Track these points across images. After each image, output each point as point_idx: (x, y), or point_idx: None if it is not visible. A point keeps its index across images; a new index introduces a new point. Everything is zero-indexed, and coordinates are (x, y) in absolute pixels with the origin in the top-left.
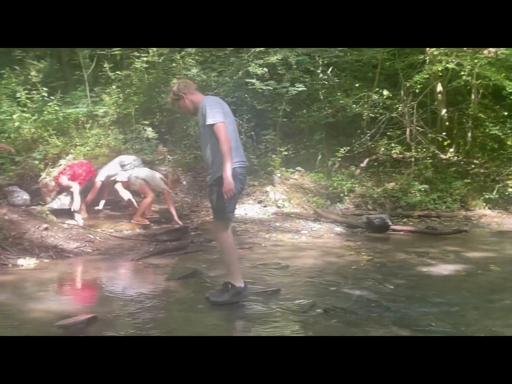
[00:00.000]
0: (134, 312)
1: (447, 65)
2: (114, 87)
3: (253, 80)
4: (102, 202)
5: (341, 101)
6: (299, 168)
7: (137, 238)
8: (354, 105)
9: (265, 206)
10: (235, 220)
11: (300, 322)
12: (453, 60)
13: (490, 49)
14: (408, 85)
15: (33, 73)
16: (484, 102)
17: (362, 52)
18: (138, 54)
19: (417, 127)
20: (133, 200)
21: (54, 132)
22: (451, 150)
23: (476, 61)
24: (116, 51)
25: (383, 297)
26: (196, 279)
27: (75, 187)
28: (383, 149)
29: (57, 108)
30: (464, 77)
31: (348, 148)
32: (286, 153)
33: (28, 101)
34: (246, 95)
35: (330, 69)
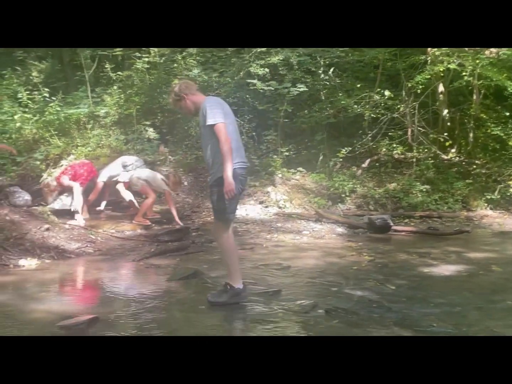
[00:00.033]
0: (135, 312)
1: (449, 65)
2: (115, 87)
3: (255, 81)
4: (104, 203)
5: (342, 102)
6: (300, 168)
7: (139, 238)
8: (356, 106)
9: (266, 207)
10: (237, 221)
11: (302, 322)
12: (455, 60)
13: (492, 49)
14: (409, 85)
15: (34, 73)
16: (485, 102)
17: (363, 53)
18: (139, 55)
19: (419, 128)
20: (135, 201)
21: (56, 132)
22: (453, 150)
23: (477, 61)
24: (118, 51)
25: (384, 298)
26: (197, 280)
27: (76, 187)
28: (384, 149)
29: (58, 108)
30: (465, 78)
31: (350, 148)
32: (287, 153)
33: (30, 102)
34: (247, 96)
35: (331, 70)
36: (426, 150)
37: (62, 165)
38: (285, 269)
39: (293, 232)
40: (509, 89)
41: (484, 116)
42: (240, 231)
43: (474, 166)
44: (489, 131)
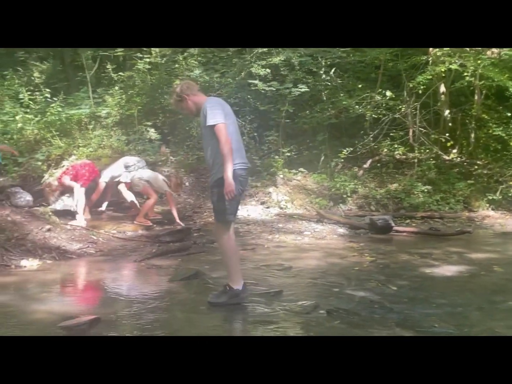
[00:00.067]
0: (137, 313)
1: (450, 66)
2: (116, 88)
3: (256, 81)
4: (105, 204)
5: (344, 102)
6: (302, 169)
7: (140, 239)
8: (357, 106)
9: (267, 207)
10: (238, 221)
11: (303, 323)
12: (456, 61)
13: (493, 50)
14: (411, 86)
15: (36, 74)
16: (487, 103)
17: (365, 53)
18: (140, 55)
19: (420, 128)
20: (136, 202)
21: (57, 133)
22: (454, 151)
23: (479, 62)
24: (119, 52)
25: (386, 298)
26: (199, 280)
27: (77, 188)
28: (386, 150)
29: (60, 109)
30: (467, 78)
31: (351, 149)
32: (289, 154)
33: (31, 102)
34: (248, 96)
35: (333, 70)
36: (427, 150)
37: (63, 166)
38: (287, 269)
39: (295, 233)
40: (510, 89)
41: (486, 117)
42: (242, 231)
43: (476, 167)
44: (490, 131)
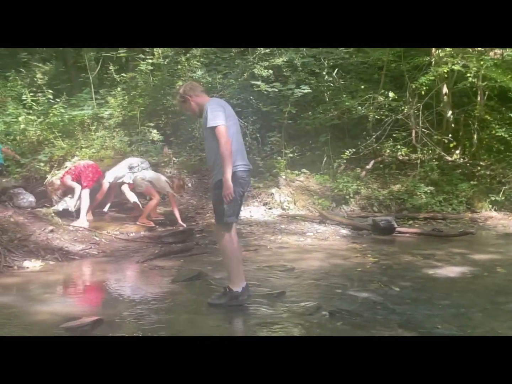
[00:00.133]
0: (140, 314)
1: (453, 66)
2: (119, 89)
3: (259, 82)
4: (108, 205)
5: (346, 103)
6: (304, 170)
7: (143, 240)
8: (360, 107)
9: (270, 208)
10: (240, 222)
11: (306, 324)
12: (459, 61)
13: (496, 50)
14: (413, 87)
15: (38, 75)
16: (490, 104)
17: (367, 54)
18: (143, 57)
19: (423, 129)
20: (139, 203)
21: (60, 134)
22: (457, 152)
23: (482, 62)
24: (122, 53)
25: (389, 299)
26: (201, 281)
27: (78, 189)
28: (388, 151)
29: (62, 110)
30: (470, 79)
31: (354, 150)
32: (291, 155)
33: (34, 104)
34: (251, 97)
35: (335, 71)
36: (430, 151)
37: (66, 167)
38: (289, 270)
39: (297, 234)
40: None
41: (489, 118)
42: (244, 232)
43: (479, 168)
44: (493, 132)
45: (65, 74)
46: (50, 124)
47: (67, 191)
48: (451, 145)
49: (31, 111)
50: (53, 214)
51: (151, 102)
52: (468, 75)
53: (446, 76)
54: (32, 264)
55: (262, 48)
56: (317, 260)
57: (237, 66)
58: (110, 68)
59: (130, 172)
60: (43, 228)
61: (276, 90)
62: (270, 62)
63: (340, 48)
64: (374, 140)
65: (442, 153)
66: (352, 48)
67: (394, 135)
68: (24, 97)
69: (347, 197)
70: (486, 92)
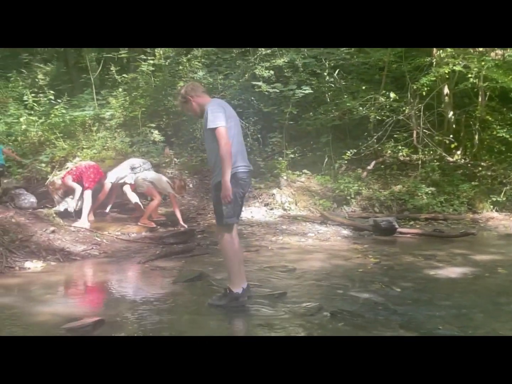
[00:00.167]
0: (141, 314)
1: (454, 67)
2: (120, 90)
3: (260, 83)
4: (109, 205)
5: (347, 104)
6: (305, 170)
7: (144, 240)
8: (361, 108)
9: (271, 209)
10: (242, 223)
11: (307, 325)
12: (460, 62)
13: (497, 51)
14: (415, 87)
15: (40, 76)
16: (491, 104)
17: (368, 55)
18: (144, 57)
19: (424, 130)
20: (140, 203)
21: (61, 135)
22: (458, 152)
23: (483, 63)
24: (123, 54)
25: (390, 300)
26: (203, 282)
27: (78, 190)
28: (390, 151)
29: (64, 111)
30: (471, 80)
31: (355, 150)
32: (292, 155)
33: (35, 104)
34: (252, 98)
35: (336, 72)
36: (431, 152)
37: (67, 168)
38: (291, 271)
39: (298, 234)
40: None
41: (490, 118)
42: (245, 233)
43: (480, 168)
44: (494, 133)
45: (67, 75)
46: (51, 125)
47: (68, 191)
48: (452, 145)
49: (32, 112)
50: (54, 215)
51: (152, 103)
52: (469, 75)
53: (447, 76)
54: (34, 265)
55: (263, 49)
56: (318, 261)
57: (238, 67)
58: (111, 68)
59: (132, 172)
60: (44, 228)
61: (277, 90)
62: (271, 63)
63: (341, 49)
64: (375, 140)
65: (443, 154)
66: (353, 49)
67: (395, 135)
68: (25, 97)
69: (348, 197)
70: (487, 93)
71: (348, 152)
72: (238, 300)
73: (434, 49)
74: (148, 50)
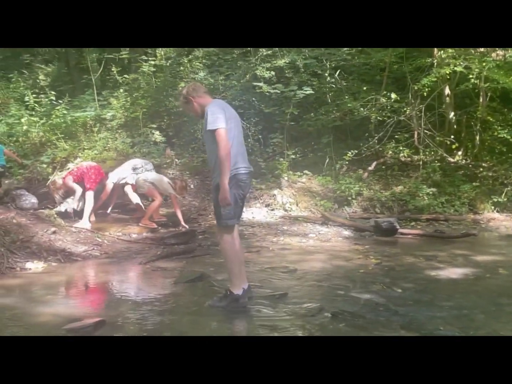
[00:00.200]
0: (142, 315)
1: (455, 68)
2: (121, 90)
3: (261, 84)
4: (110, 206)
5: (348, 104)
6: (306, 171)
7: (145, 241)
8: (362, 108)
9: (272, 210)
10: (243, 224)
11: (308, 325)
12: (461, 63)
13: (498, 52)
14: (416, 88)
15: (41, 77)
16: (492, 105)
17: (370, 56)
18: (145, 58)
19: (425, 130)
20: (141, 204)
21: (62, 135)
22: (459, 153)
23: (484, 64)
24: (124, 54)
25: (391, 301)
26: (204, 283)
27: (79, 191)
28: (391, 152)
29: (65, 111)
30: (472, 80)
31: (356, 151)
32: (293, 156)
33: (36, 105)
34: (253, 99)
35: (337, 72)
36: (432, 152)
37: (68, 168)
38: (292, 272)
39: (300, 235)
40: None
41: (491, 119)
42: (247, 234)
43: (481, 169)
44: (495, 133)
45: (68, 76)
46: (52, 126)
47: (69, 192)
48: (453, 146)
49: (33, 113)
50: (55, 216)
51: (153, 104)
52: (470, 76)
53: (448, 77)
54: (35, 266)
55: (264, 50)
56: (319, 262)
57: (239, 68)
58: (112, 69)
59: (134, 173)
60: (45, 229)
61: (278, 91)
62: (272, 64)
63: (342, 50)
64: (376, 141)
65: (444, 155)
66: (354, 50)
67: (396, 136)
68: (26, 98)
69: (349, 198)
70: (488, 94)
71: (349, 152)
72: (238, 301)
73: (435, 49)
74: (149, 50)
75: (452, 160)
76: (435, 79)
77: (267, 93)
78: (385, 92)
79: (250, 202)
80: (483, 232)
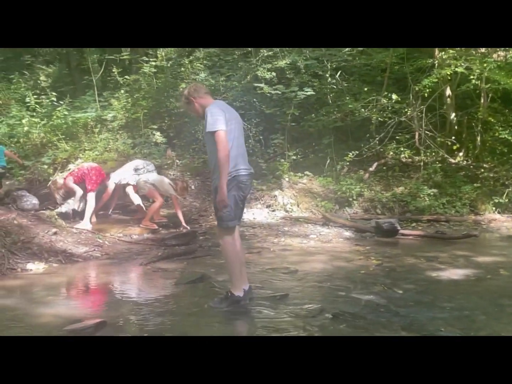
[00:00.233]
0: (143, 316)
1: (456, 69)
2: (122, 91)
3: (262, 85)
4: (111, 207)
5: (349, 105)
6: (307, 172)
7: (146, 242)
8: (363, 109)
9: (273, 211)
10: (244, 225)
11: (309, 326)
12: (462, 64)
13: (499, 52)
14: (417, 89)
15: (42, 78)
16: (493, 106)
17: (370, 56)
18: (146, 59)
19: (426, 131)
20: (142, 205)
21: (63, 136)
22: (460, 154)
23: (485, 65)
24: (125, 55)
25: (392, 302)
26: (205, 284)
27: (79, 192)
28: (392, 153)
29: (66, 112)
30: (473, 81)
31: (357, 152)
32: (294, 157)
33: (37, 106)
34: (254, 100)
35: (338, 73)
36: (433, 153)
37: (70, 169)
38: (293, 273)
39: (300, 236)
40: None
41: (492, 120)
42: (247, 235)
43: (482, 170)
44: (496, 134)
45: (69, 77)
46: (53, 127)
47: (70, 192)
48: (455, 147)
49: (34, 114)
50: (56, 217)
51: (154, 105)
52: (472, 77)
53: (449, 78)
54: (36, 267)
55: (265, 50)
56: (320, 263)
57: (240, 69)
58: (113, 70)
59: (136, 174)
60: (46, 230)
61: (279, 92)
62: (273, 65)
63: (343, 50)
64: (377, 142)
65: (446, 155)
66: (355, 50)
67: (397, 137)
68: (27, 99)
69: (350, 199)
70: (490, 94)
71: (350, 153)
72: (239, 303)
73: (436, 50)
74: (150, 51)
75: (453, 161)
76: (436, 80)
77: (268, 94)
78: (386, 93)
79: (251, 203)
80: (484, 233)
